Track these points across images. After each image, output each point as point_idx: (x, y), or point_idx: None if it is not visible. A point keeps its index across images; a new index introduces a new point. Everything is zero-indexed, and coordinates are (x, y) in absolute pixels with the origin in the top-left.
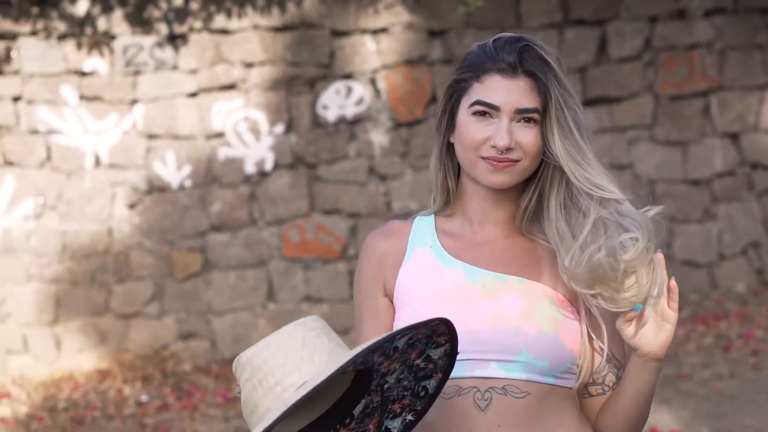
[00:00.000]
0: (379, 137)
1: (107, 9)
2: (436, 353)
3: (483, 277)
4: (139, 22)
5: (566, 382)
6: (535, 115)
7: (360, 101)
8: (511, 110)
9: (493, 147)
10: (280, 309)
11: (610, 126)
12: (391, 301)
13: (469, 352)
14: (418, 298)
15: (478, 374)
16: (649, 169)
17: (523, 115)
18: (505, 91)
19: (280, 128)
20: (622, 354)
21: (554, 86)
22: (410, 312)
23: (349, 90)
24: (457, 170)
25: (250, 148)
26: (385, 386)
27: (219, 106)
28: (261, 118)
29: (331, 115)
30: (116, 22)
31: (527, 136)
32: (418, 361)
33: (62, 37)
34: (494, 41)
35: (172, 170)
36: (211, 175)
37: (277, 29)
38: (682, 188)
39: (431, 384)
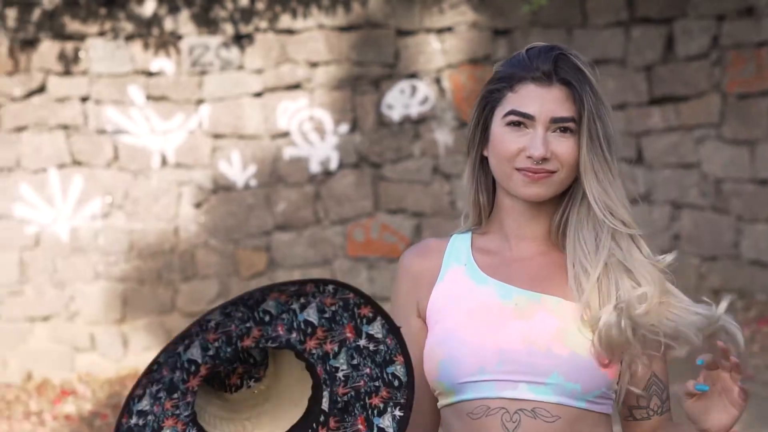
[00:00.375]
0: (443, 136)
1: (174, 9)
2: (374, 329)
3: (516, 296)
4: (205, 22)
5: (600, 407)
6: (571, 125)
7: (425, 100)
8: (546, 119)
9: (529, 158)
10: None
11: (676, 125)
12: (425, 322)
13: (499, 372)
14: (449, 317)
15: (507, 395)
16: (716, 169)
17: (558, 125)
18: (539, 99)
19: (344, 128)
20: (665, 375)
21: (589, 96)
22: (441, 331)
23: (414, 89)
24: (491, 185)
25: (315, 147)
26: (339, 374)
27: (284, 105)
28: (326, 118)
29: (395, 114)
30: (183, 22)
31: (563, 146)
32: (362, 342)
33: (129, 38)
34: (528, 50)
35: (238, 169)
36: (276, 175)
37: (342, 29)
38: (749, 187)
39: (399, 370)
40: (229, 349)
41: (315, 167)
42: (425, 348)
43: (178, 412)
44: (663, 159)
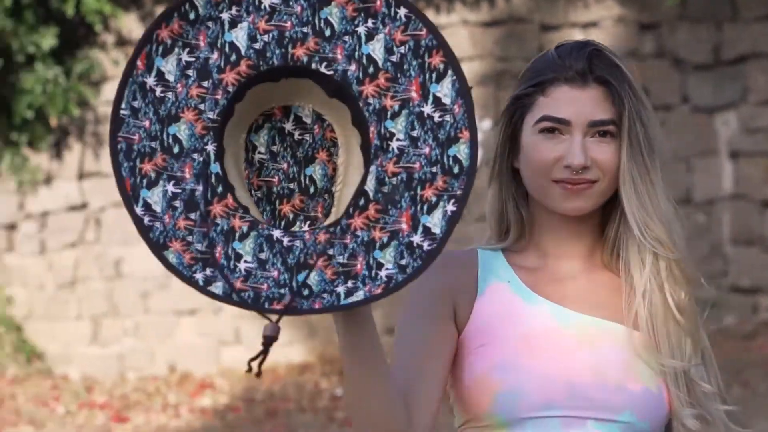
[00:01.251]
0: None
1: None
2: (443, 90)
3: (575, 320)
4: None
5: None
6: (611, 128)
7: None
8: (583, 124)
9: (567, 167)
10: None
11: None
12: (458, 330)
13: (565, 407)
14: (502, 340)
15: None
16: None
17: (597, 129)
18: (574, 102)
19: (487, 123)
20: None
21: (629, 95)
22: (496, 357)
23: None
24: (524, 199)
25: None
26: (394, 144)
27: None
28: None
29: None
30: None
31: (603, 152)
32: (427, 109)
33: None
34: (557, 48)
35: None
36: None
37: (486, 24)
38: None
39: (462, 151)
40: (278, 52)
41: None
42: (474, 373)
43: (202, 106)
44: None
